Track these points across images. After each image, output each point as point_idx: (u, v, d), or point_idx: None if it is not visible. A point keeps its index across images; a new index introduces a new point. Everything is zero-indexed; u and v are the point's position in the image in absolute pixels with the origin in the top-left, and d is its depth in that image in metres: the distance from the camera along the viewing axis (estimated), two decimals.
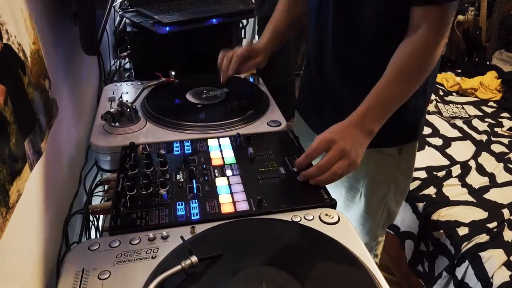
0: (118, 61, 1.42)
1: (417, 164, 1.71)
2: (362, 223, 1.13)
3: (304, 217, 0.68)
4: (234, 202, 0.71)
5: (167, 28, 1.13)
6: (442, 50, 0.85)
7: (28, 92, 0.58)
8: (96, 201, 0.87)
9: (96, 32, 0.79)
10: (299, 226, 0.66)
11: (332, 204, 0.72)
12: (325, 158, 0.77)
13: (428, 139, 1.93)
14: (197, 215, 0.68)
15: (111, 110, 0.91)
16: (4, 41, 0.53)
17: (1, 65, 0.50)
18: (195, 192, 0.74)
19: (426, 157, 1.79)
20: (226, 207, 0.70)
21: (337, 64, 0.98)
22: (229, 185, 0.76)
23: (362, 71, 0.94)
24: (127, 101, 0.96)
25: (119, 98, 1.00)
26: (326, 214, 0.69)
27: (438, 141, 1.92)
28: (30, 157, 0.57)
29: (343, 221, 0.68)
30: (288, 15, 1.09)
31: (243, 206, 0.70)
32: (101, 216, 0.90)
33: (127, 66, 1.45)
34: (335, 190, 1.10)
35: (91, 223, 0.81)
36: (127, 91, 1.13)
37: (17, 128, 0.53)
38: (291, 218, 0.68)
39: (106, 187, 0.85)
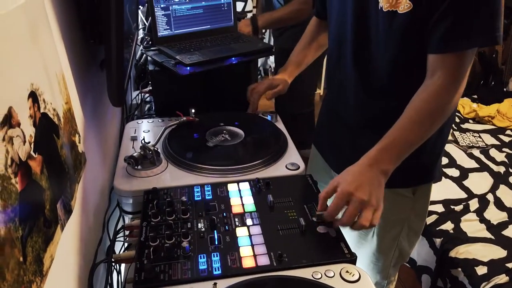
0: (140, 95, 1.46)
1: (433, 197, 1.72)
2: (374, 261, 1.13)
3: (324, 273, 0.69)
4: (255, 256, 0.72)
5: (189, 69, 1.16)
6: (459, 98, 0.86)
7: (61, 155, 0.61)
8: (118, 245, 0.88)
9: (123, 84, 0.82)
10: (321, 286, 0.67)
11: (353, 259, 0.72)
12: (346, 214, 0.77)
13: (445, 169, 1.91)
14: (218, 270, 0.69)
15: (134, 154, 0.93)
16: (42, 110, 0.55)
17: (40, 136, 0.52)
18: (216, 243, 0.75)
19: (443, 189, 1.78)
20: (247, 261, 0.71)
21: (355, 106, 1.00)
22: (250, 236, 0.77)
23: (379, 114, 0.96)
24: (149, 143, 0.98)
25: (142, 140, 1.02)
26: (347, 271, 0.69)
27: (455, 172, 1.90)
28: (61, 218, 0.59)
29: (364, 279, 0.68)
30: (308, 52, 1.23)
31: (264, 260, 0.71)
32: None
33: (148, 99, 1.48)
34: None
35: (113, 268, 0.82)
36: (149, 129, 1.15)
37: (51, 193, 0.55)
38: (312, 275, 0.68)
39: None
